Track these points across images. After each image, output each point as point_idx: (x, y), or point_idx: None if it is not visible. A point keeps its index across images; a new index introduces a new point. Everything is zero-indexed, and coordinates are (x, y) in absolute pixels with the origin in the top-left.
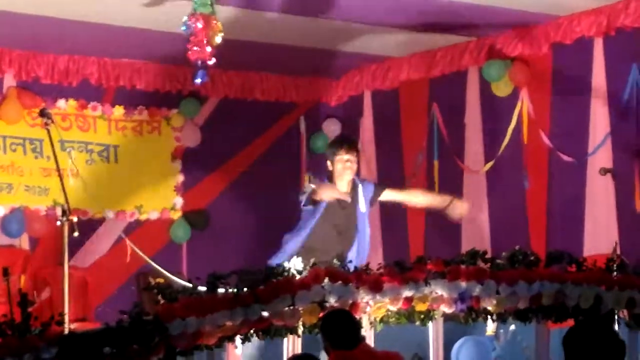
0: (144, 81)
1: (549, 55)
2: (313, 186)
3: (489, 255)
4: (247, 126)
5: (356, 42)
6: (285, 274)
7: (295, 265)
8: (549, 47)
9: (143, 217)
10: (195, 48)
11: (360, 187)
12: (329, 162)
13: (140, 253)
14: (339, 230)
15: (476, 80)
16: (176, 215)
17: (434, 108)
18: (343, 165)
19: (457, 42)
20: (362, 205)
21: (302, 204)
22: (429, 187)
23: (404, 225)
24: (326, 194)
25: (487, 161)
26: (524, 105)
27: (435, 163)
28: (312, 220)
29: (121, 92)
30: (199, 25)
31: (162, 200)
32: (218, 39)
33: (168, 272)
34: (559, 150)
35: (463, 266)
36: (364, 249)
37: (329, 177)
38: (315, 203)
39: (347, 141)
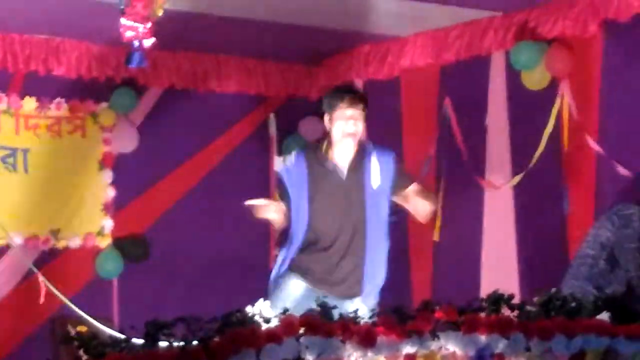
0: (64, 65)
1: (598, 36)
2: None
3: (516, 300)
4: (199, 126)
5: (343, 17)
6: (249, 322)
7: (261, 310)
8: (598, 25)
9: (61, 244)
10: (129, 23)
11: (374, 155)
12: (326, 120)
13: (56, 292)
14: (339, 217)
15: (502, 68)
16: (104, 242)
17: (446, 104)
18: (345, 124)
19: (477, 18)
20: (375, 179)
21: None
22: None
23: (405, 258)
24: (263, 214)
25: (514, 174)
26: (564, 101)
27: (444, 177)
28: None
29: (33, 79)
30: None
31: (86, 222)
32: (160, 12)
33: (93, 317)
34: (611, 160)
35: (482, 314)
36: (379, 249)
37: (326, 142)
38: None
39: (352, 91)
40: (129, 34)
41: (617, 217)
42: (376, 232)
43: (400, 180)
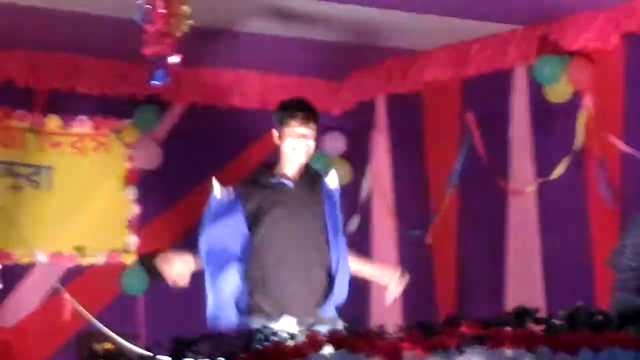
0: (87, 82)
1: (620, 48)
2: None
3: (542, 314)
4: (223, 142)
5: (365, 31)
6: (274, 338)
7: (287, 327)
8: (620, 38)
9: (86, 261)
10: (151, 39)
11: (324, 182)
12: (274, 133)
13: (82, 309)
14: (298, 236)
15: (524, 81)
16: (129, 259)
17: (469, 118)
18: (295, 142)
19: (499, 31)
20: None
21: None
22: (460, 222)
23: (430, 273)
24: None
25: (538, 187)
26: (587, 114)
27: (467, 189)
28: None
29: (56, 96)
30: (157, 10)
31: (111, 239)
32: (184, 28)
33: (119, 334)
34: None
35: (508, 328)
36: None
37: (275, 157)
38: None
39: (303, 107)
40: (150, 50)
41: None
42: (333, 245)
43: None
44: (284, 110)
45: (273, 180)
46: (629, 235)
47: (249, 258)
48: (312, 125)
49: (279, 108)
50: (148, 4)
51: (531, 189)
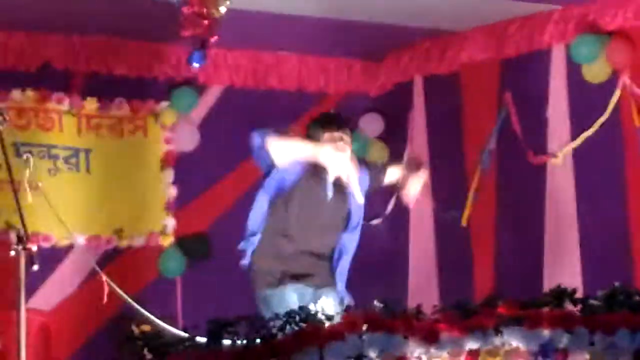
0: (124, 65)
1: None
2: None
3: (580, 294)
4: (260, 123)
5: (402, 12)
6: (312, 319)
7: (323, 307)
8: None
9: (123, 244)
10: (189, 22)
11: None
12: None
13: (120, 291)
14: (323, 224)
15: (562, 61)
16: (167, 241)
17: (506, 98)
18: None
19: (537, 11)
20: (359, 195)
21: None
22: (498, 203)
23: (468, 252)
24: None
25: (576, 165)
26: (624, 94)
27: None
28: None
29: (94, 79)
30: None
31: (149, 221)
32: (222, 9)
33: (156, 316)
34: None
35: (546, 309)
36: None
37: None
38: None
39: (337, 118)
40: (187, 32)
41: None
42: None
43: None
44: (318, 121)
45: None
46: None
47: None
48: (347, 132)
49: (310, 124)
50: None
51: (567, 150)
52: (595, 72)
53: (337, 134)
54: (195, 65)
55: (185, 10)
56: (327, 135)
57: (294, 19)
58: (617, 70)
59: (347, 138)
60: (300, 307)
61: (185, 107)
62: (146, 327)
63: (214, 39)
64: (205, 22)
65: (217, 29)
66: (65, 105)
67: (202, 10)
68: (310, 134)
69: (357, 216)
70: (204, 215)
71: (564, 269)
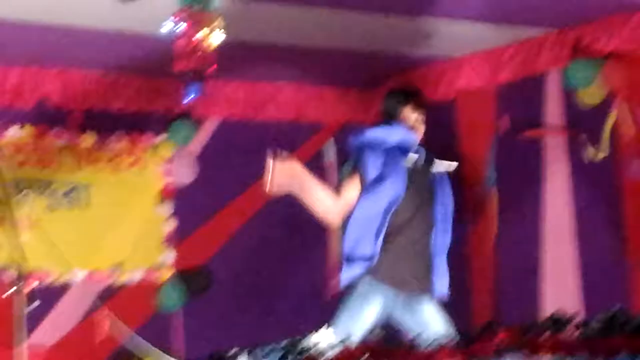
0: (122, 99)
1: None
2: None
3: (580, 319)
4: (258, 154)
5: (398, 40)
6: (311, 351)
7: (324, 339)
8: None
9: (123, 278)
10: (182, 56)
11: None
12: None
13: (121, 325)
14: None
15: (557, 85)
16: (166, 275)
17: (503, 124)
18: (411, 126)
19: (532, 36)
20: (441, 164)
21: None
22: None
23: (467, 277)
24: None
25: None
26: (620, 117)
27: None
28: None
29: (92, 114)
30: (186, 25)
31: (148, 255)
32: (216, 41)
33: (157, 352)
34: None
35: (545, 334)
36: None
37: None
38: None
39: (416, 94)
40: (181, 66)
41: None
42: (443, 225)
43: None
44: (395, 95)
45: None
46: None
47: None
48: (423, 111)
49: (389, 95)
50: (177, 20)
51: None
52: (590, 95)
53: (413, 115)
54: (191, 98)
55: (179, 44)
56: (404, 114)
57: (289, 48)
58: (612, 92)
59: (422, 118)
60: (299, 338)
61: (184, 139)
62: None
63: (209, 72)
64: (199, 54)
65: (212, 61)
66: (63, 141)
67: (196, 43)
68: (386, 105)
69: None
70: (204, 248)
71: (563, 288)
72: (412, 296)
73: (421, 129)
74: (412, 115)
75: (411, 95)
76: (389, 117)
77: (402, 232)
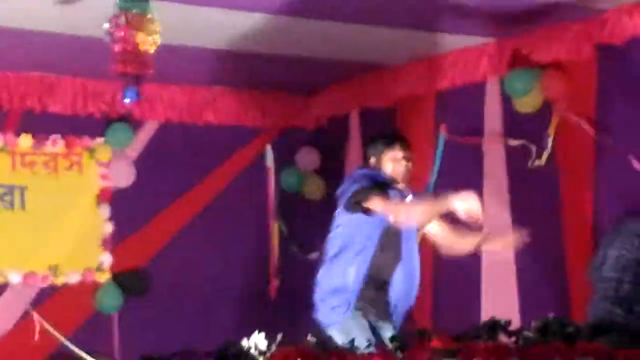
0: (59, 102)
1: (592, 60)
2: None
3: (515, 326)
4: (197, 159)
5: (338, 46)
6: (244, 355)
7: (256, 343)
8: (592, 49)
9: (59, 280)
10: (119, 59)
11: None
12: (372, 160)
13: (53, 330)
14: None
15: (497, 93)
16: (104, 277)
17: (442, 130)
18: (398, 164)
19: (471, 45)
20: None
21: (343, 207)
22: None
23: None
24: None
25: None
26: (559, 125)
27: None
28: (374, 240)
29: (29, 116)
30: (124, 28)
31: (85, 258)
32: (153, 46)
33: (93, 354)
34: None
35: (480, 341)
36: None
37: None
38: (368, 212)
39: (401, 137)
40: (118, 69)
41: (637, 237)
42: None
43: None
44: (380, 138)
45: None
46: (612, 246)
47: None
48: (409, 152)
49: (373, 139)
50: (113, 24)
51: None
52: (528, 103)
53: (400, 154)
54: (128, 101)
55: (117, 47)
56: (390, 154)
57: (229, 54)
58: (549, 100)
59: (409, 156)
60: (233, 342)
61: (121, 142)
62: None
63: (147, 75)
64: (138, 58)
65: (150, 65)
66: None
67: (134, 47)
68: (370, 148)
69: None
70: (141, 251)
71: (502, 297)
72: None
73: (409, 169)
74: (398, 155)
75: (395, 137)
76: (373, 158)
77: None
